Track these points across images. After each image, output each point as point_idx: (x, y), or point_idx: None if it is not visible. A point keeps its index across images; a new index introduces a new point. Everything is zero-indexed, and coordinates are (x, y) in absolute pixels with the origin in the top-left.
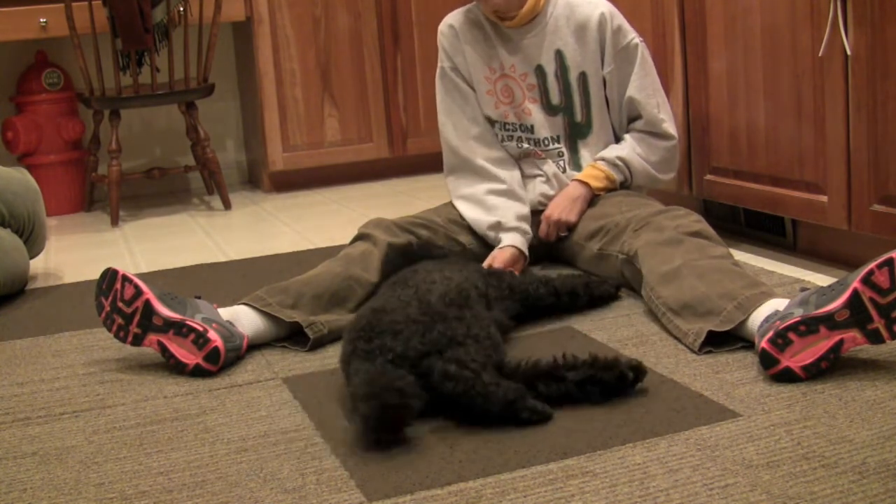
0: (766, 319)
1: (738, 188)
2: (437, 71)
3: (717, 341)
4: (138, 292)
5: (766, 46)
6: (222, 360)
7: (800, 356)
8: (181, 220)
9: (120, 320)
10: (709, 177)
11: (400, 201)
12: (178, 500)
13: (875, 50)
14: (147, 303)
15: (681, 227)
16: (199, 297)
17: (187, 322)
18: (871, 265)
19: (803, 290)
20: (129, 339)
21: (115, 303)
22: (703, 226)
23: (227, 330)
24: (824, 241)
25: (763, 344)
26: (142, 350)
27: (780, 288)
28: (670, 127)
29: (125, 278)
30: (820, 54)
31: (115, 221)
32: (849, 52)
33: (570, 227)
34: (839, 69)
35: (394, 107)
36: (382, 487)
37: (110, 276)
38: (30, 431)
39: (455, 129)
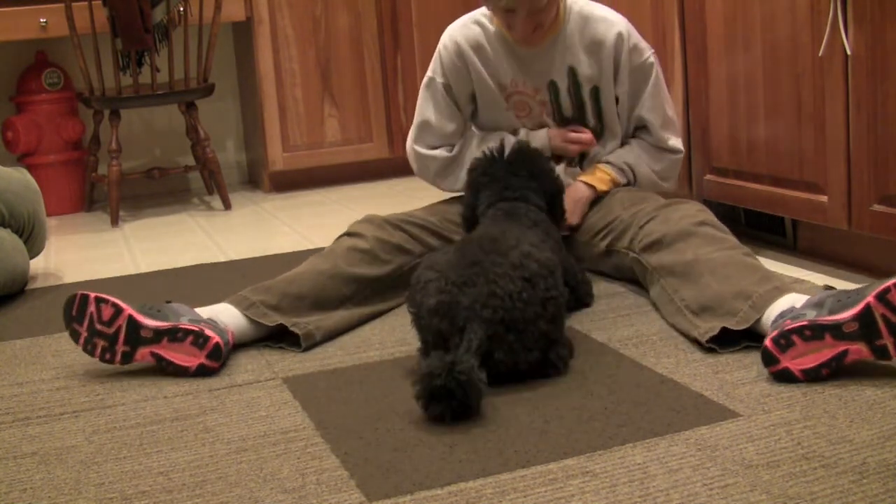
0: (781, 315)
1: (738, 188)
2: (425, 79)
3: (725, 339)
4: (118, 310)
5: (766, 46)
6: (224, 355)
7: (801, 359)
8: (181, 220)
9: (103, 343)
10: (709, 177)
11: (399, 201)
12: (178, 500)
13: (875, 50)
14: (130, 318)
15: (686, 217)
16: (170, 302)
17: (181, 326)
18: (889, 282)
19: (827, 288)
20: (118, 358)
21: (93, 326)
22: (708, 214)
23: (216, 326)
24: (824, 241)
25: (766, 341)
26: None
27: None
28: (677, 143)
29: (99, 300)
30: (820, 54)
31: (115, 221)
32: (849, 52)
33: (573, 228)
34: (839, 69)
35: (394, 107)
36: (382, 487)
37: (80, 300)
38: (30, 431)
39: (420, 136)
